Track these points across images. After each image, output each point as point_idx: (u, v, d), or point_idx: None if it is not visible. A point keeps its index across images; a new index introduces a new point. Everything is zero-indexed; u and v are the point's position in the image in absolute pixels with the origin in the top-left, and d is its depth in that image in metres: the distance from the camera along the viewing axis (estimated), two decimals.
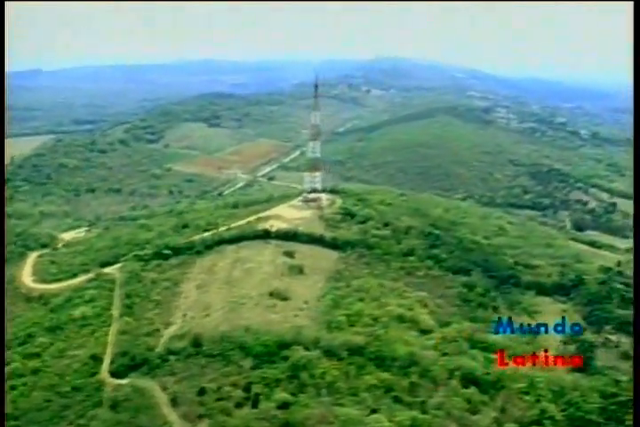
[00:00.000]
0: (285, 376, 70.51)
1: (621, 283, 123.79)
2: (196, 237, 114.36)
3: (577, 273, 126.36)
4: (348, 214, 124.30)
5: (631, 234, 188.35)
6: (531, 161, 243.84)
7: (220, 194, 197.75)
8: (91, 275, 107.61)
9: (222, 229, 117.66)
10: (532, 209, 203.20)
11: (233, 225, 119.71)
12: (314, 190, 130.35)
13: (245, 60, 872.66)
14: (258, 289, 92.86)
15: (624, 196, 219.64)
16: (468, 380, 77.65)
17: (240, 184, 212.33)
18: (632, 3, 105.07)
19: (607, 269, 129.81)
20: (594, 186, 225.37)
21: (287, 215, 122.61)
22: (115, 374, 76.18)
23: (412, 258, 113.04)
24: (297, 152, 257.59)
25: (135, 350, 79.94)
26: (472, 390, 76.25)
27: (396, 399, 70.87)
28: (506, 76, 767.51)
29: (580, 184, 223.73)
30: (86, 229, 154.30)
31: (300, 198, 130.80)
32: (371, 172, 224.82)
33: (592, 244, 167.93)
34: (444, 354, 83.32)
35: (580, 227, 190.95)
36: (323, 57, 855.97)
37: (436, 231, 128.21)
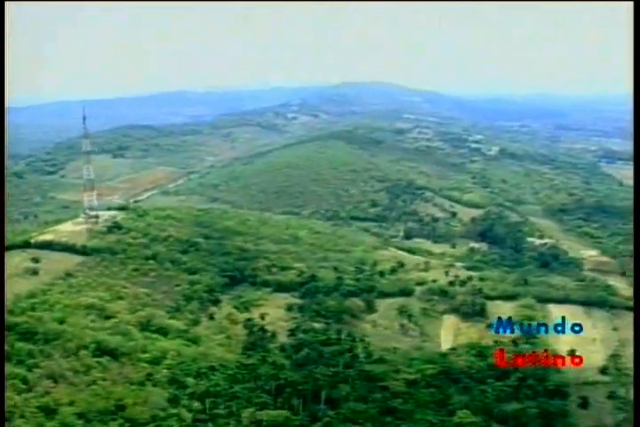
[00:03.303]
0: None
1: (358, 280, 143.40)
2: None
3: (338, 273, 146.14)
4: (116, 227, 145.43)
5: (453, 241, 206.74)
6: (396, 177, 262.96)
7: None
8: None
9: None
10: (372, 221, 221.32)
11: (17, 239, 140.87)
12: (91, 208, 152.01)
13: (218, 91, 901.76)
14: None
15: (472, 205, 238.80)
16: (104, 351, 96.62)
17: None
18: (632, 3, 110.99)
19: (361, 270, 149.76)
20: (446, 197, 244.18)
21: (62, 230, 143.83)
22: None
23: (151, 261, 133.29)
24: (185, 179, 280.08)
25: None
26: (104, 358, 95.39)
27: (18, 362, 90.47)
28: (473, 98, 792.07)
29: (430, 196, 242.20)
30: None
31: (83, 216, 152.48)
32: (237, 193, 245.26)
33: (409, 250, 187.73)
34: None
35: (409, 236, 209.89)
36: (308, 84, 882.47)
37: (199, 240, 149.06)
